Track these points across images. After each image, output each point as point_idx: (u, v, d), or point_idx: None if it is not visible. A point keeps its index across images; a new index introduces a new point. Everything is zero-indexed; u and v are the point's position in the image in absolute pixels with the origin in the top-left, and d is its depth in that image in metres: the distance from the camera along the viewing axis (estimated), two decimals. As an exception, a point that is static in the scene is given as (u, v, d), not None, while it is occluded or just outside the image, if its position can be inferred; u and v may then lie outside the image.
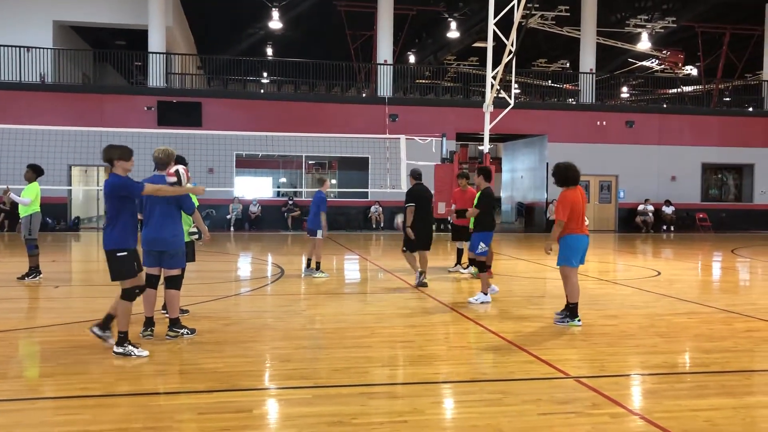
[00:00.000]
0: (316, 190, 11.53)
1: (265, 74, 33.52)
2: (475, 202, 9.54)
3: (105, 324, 6.23)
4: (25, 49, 23.04)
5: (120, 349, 5.93)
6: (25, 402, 4.76)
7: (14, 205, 20.41)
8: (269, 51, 37.22)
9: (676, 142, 26.63)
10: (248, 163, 26.64)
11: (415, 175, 10.65)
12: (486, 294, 8.93)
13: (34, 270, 10.63)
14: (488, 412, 4.58)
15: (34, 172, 10.57)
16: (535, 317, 8.03)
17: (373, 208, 24.22)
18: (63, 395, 4.90)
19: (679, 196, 26.48)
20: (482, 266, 9.11)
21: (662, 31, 31.13)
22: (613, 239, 22.59)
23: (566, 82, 32.33)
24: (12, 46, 22.91)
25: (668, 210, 26.00)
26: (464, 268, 11.92)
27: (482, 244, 9.03)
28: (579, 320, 7.47)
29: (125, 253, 5.94)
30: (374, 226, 24.06)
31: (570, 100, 30.38)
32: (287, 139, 21.54)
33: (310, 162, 25.61)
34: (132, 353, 5.91)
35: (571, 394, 5.03)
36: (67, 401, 4.77)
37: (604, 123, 26.15)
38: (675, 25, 30.65)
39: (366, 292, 10.67)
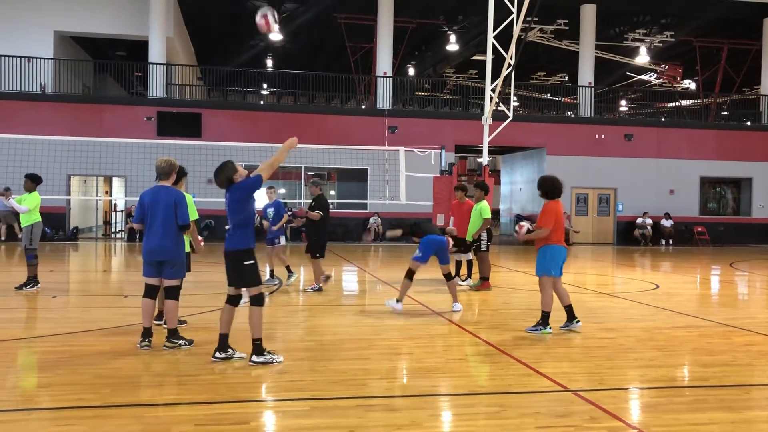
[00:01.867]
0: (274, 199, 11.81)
1: (265, 86, 33.66)
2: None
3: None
4: (26, 59, 23.11)
5: (260, 359, 5.93)
6: (22, 413, 4.73)
7: (16, 214, 20.39)
8: (269, 63, 37.37)
9: (675, 156, 26.71)
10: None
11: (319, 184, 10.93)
12: (398, 302, 8.89)
13: (32, 280, 10.61)
14: (487, 425, 4.57)
15: (33, 181, 10.57)
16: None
17: (371, 220, 24.23)
18: (60, 406, 4.88)
19: (677, 209, 26.52)
20: (409, 273, 9.01)
21: (661, 45, 31.34)
22: (611, 252, 22.60)
23: (565, 96, 32.46)
24: (13, 56, 22.99)
25: (667, 223, 26.02)
26: (462, 280, 11.91)
27: (417, 251, 8.99)
28: (550, 328, 7.69)
29: (253, 261, 6.11)
30: (372, 238, 24.05)
31: (569, 113, 30.53)
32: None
33: (309, 173, 25.63)
34: (273, 360, 5.95)
35: (570, 407, 5.01)
36: (64, 412, 4.75)
37: (603, 136, 26.24)
38: (673, 40, 30.84)
39: (364, 303, 10.66)
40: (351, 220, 24.74)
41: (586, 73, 27.79)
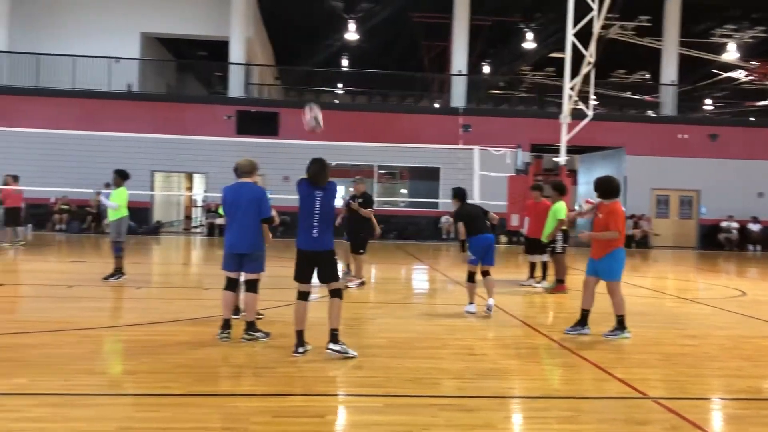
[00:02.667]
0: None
1: (339, 85, 34.06)
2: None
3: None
4: (114, 59, 24.15)
5: (337, 347, 6.06)
6: (110, 397, 4.97)
7: (101, 208, 21.33)
8: (344, 62, 37.78)
9: (765, 157, 25.40)
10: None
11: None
12: (471, 304, 8.77)
13: (118, 271, 11.09)
14: (561, 430, 4.49)
15: (121, 177, 11.03)
16: (611, 335, 7.81)
17: (443, 219, 24.15)
18: (144, 392, 5.08)
19: (766, 213, 25.24)
20: (470, 276, 8.84)
21: (751, 41, 29.87)
22: (693, 256, 21.75)
23: (646, 94, 31.41)
24: (102, 57, 24.06)
25: (755, 227, 24.81)
26: (537, 282, 11.72)
27: (469, 254, 8.77)
28: (628, 332, 7.47)
29: (337, 257, 6.36)
30: (445, 236, 23.97)
31: (649, 112, 29.53)
32: (360, 149, 21.75)
33: (380, 172, 25.77)
34: (348, 352, 6.07)
35: (649, 415, 4.86)
36: (148, 398, 4.94)
37: (686, 136, 25.25)
38: (766, 35, 29.33)
39: (436, 303, 10.64)
40: (422, 219, 24.72)
41: (670, 71, 26.81)
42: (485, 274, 8.81)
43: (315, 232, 6.18)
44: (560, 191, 11.08)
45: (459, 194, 8.98)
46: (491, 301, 8.64)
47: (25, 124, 20.63)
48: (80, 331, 7.08)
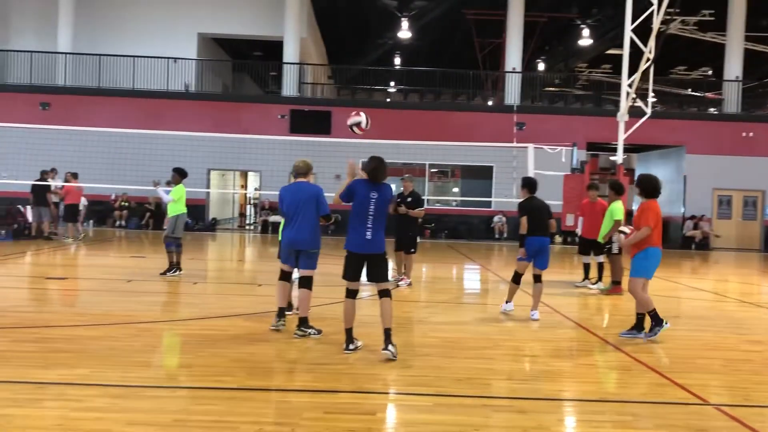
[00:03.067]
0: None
1: (392, 83, 34.08)
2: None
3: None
4: (172, 59, 24.73)
5: (393, 348, 5.99)
6: (166, 390, 5.08)
7: (159, 205, 21.90)
8: (397, 60, 37.80)
9: (834, 156, 24.28)
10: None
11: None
12: (508, 302, 8.62)
13: (175, 266, 11.35)
14: (618, 435, 4.38)
15: (180, 175, 11.29)
16: (669, 338, 7.58)
17: (496, 218, 23.91)
18: (199, 386, 5.18)
19: (835, 214, 24.13)
20: (516, 277, 8.56)
21: (821, 34, 28.59)
22: (758, 259, 20.96)
23: (708, 91, 30.44)
24: (161, 57, 24.67)
25: (823, 229, 23.76)
26: (593, 284, 11.49)
27: (522, 249, 8.38)
28: (667, 323, 7.30)
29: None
30: (497, 236, 23.73)
31: (712, 109, 28.59)
32: (412, 148, 21.72)
33: (432, 170, 25.68)
34: (392, 353, 5.96)
35: (710, 422, 4.70)
36: (203, 392, 5.04)
37: (751, 134, 24.32)
38: (836, 28, 28.04)
39: (487, 303, 10.54)
40: (475, 218, 24.53)
41: (733, 67, 25.87)
42: (536, 279, 8.43)
43: (368, 233, 6.17)
44: (618, 191, 10.83)
45: (528, 184, 8.58)
46: (535, 314, 8.30)
47: (88, 123, 21.30)
48: (139, 324, 7.27)
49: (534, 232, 8.26)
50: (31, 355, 5.78)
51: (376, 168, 6.20)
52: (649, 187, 7.45)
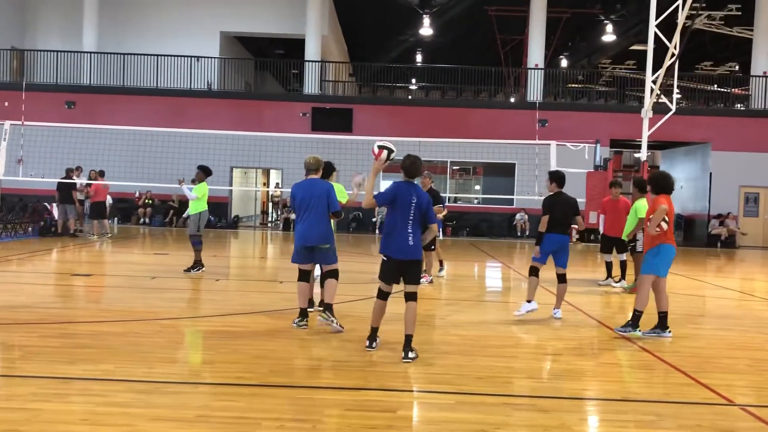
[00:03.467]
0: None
1: (413, 80, 34.07)
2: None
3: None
4: (195, 58, 24.94)
5: (414, 353, 5.90)
6: (189, 386, 5.12)
7: (182, 203, 22.10)
8: (418, 57, 37.74)
9: None
10: (394, 168, 27.08)
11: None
12: (530, 302, 8.20)
13: (198, 263, 11.45)
14: (641, 435, 4.33)
15: (204, 173, 11.41)
16: (694, 337, 7.50)
17: (518, 216, 23.79)
18: (221, 382, 5.22)
19: None
20: (533, 270, 8.23)
21: None
22: (784, 257, 20.61)
23: (734, 86, 29.97)
24: (184, 56, 24.88)
25: None
26: (616, 282, 11.38)
27: (537, 248, 8.14)
28: (640, 330, 7.23)
29: None
30: (519, 234, 23.61)
31: (738, 105, 28.16)
32: (433, 145, 21.69)
33: (454, 168, 25.62)
34: (411, 360, 5.87)
35: (736, 423, 4.64)
36: (225, 388, 5.07)
37: (779, 130, 23.92)
38: None
39: (509, 301, 10.48)
40: (497, 216, 24.43)
41: (761, 62, 25.42)
42: (560, 278, 8.17)
43: (411, 239, 6.00)
44: (642, 189, 10.71)
45: (557, 178, 8.23)
46: (558, 313, 8.13)
47: (112, 121, 21.56)
48: (162, 321, 7.35)
49: (554, 228, 8.00)
50: (56, 351, 5.87)
51: (412, 164, 6.14)
52: (660, 183, 7.39)
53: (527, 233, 23.36)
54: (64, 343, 6.15)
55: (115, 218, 23.07)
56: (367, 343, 6.25)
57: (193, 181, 11.80)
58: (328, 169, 7.64)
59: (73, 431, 4.06)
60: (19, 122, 16.69)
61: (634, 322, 7.25)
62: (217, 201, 22.26)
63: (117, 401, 4.61)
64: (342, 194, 8.05)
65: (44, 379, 5.05)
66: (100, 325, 6.99)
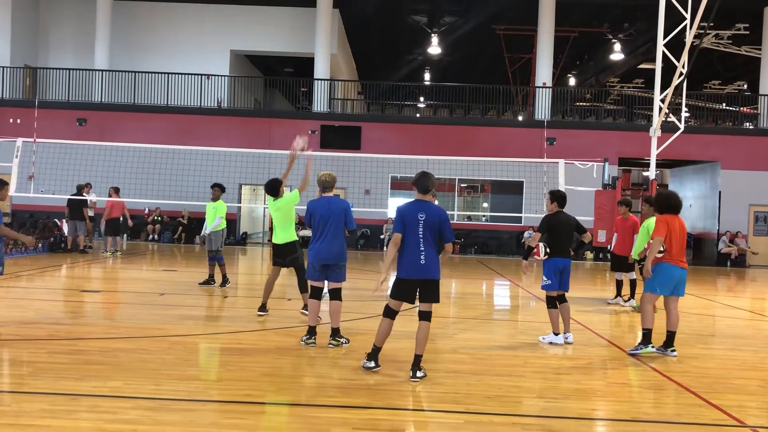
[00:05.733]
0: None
1: (421, 99, 34.21)
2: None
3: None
4: (205, 76, 25.16)
5: (421, 373, 5.87)
6: (198, 403, 5.13)
7: (191, 220, 22.18)
8: (426, 76, 37.94)
9: None
10: (402, 185, 27.17)
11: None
12: (557, 335, 7.78)
13: (218, 278, 11.92)
14: (652, 456, 4.30)
15: (221, 190, 11.73)
16: (704, 357, 7.45)
17: (526, 234, 23.74)
18: (230, 399, 5.22)
19: None
20: (551, 301, 7.90)
21: None
22: (795, 277, 20.44)
23: (743, 105, 29.95)
24: (195, 74, 25.10)
25: None
26: (625, 301, 11.32)
27: (544, 277, 7.89)
28: (652, 346, 7.28)
29: None
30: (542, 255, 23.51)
31: (747, 124, 28.12)
32: (441, 162, 21.73)
33: (461, 185, 25.64)
34: (419, 380, 5.84)
35: (748, 445, 4.59)
36: (234, 405, 5.07)
37: (788, 149, 23.84)
38: None
39: (517, 320, 10.45)
40: (504, 234, 24.40)
41: (769, 81, 25.43)
42: (561, 300, 7.87)
43: (422, 258, 5.87)
44: (654, 206, 10.70)
45: (558, 198, 7.99)
46: (569, 337, 7.83)
47: (122, 138, 21.72)
48: (171, 337, 7.35)
49: (556, 252, 7.81)
50: (66, 367, 5.88)
51: (419, 178, 6.05)
52: (662, 203, 7.50)
53: (523, 257, 23.24)
54: (73, 360, 6.17)
55: (125, 234, 23.17)
56: (366, 359, 6.11)
57: (212, 200, 12.03)
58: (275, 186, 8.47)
59: (82, 448, 4.07)
60: (31, 139, 16.83)
61: (645, 341, 7.28)
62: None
63: (125, 418, 4.62)
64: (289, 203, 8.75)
65: (54, 396, 5.07)
66: (109, 341, 7.00)
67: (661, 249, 7.20)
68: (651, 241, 7.30)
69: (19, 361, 6.17)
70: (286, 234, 8.75)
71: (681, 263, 7.32)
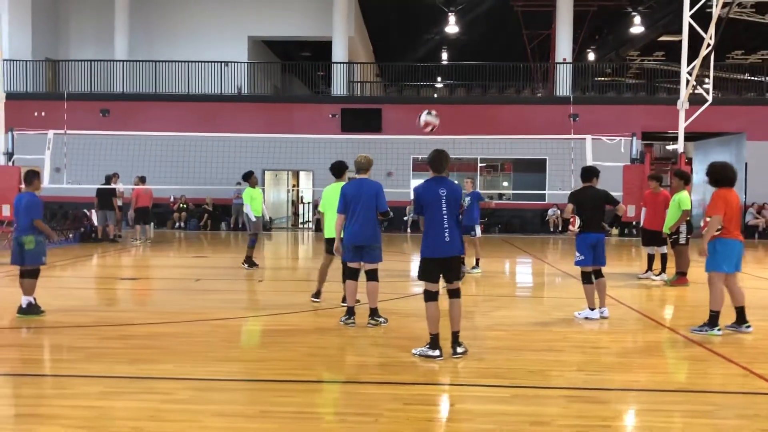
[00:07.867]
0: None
1: (439, 78, 34.03)
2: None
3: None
4: (224, 63, 25.24)
5: (462, 348, 5.92)
6: (247, 383, 5.27)
7: (216, 207, 22.40)
8: (444, 55, 37.70)
9: None
10: (424, 167, 27.14)
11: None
12: (593, 310, 7.76)
13: (251, 260, 12.36)
14: (700, 424, 4.36)
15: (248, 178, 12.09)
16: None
17: (550, 211, 23.68)
18: (278, 379, 5.33)
19: None
20: (586, 277, 7.84)
21: None
22: (825, 247, 20.23)
23: (767, 75, 29.46)
24: (213, 62, 25.20)
25: None
26: (656, 275, 11.30)
27: (577, 253, 7.85)
28: (719, 329, 6.98)
29: None
30: (551, 229, 23.50)
31: (772, 93, 27.68)
32: (462, 142, 21.67)
33: (481, 165, 25.57)
34: (461, 355, 5.91)
35: (795, 412, 4.63)
36: (283, 384, 5.18)
37: (815, 118, 23.48)
38: None
39: (549, 296, 10.49)
40: (528, 212, 24.34)
41: (794, 49, 25.01)
42: (597, 275, 7.85)
43: (447, 235, 5.89)
44: (685, 180, 10.64)
45: (584, 174, 7.97)
46: (605, 311, 7.81)
47: (145, 127, 21.90)
48: (213, 321, 7.50)
49: (588, 227, 7.77)
50: (117, 351, 6.04)
51: (434, 158, 6.08)
52: (718, 176, 7.20)
53: (560, 228, 23.24)
54: (124, 344, 6.33)
55: (152, 223, 23.44)
56: (427, 348, 5.92)
57: (239, 184, 12.44)
58: (344, 168, 8.15)
59: (143, 427, 4.20)
60: (62, 131, 17.05)
61: (712, 323, 7.01)
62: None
63: (179, 398, 4.76)
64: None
65: (110, 379, 5.23)
66: (154, 326, 7.16)
67: (719, 227, 6.94)
68: (709, 219, 6.95)
69: (73, 347, 6.33)
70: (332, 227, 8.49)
71: (740, 237, 7.11)
